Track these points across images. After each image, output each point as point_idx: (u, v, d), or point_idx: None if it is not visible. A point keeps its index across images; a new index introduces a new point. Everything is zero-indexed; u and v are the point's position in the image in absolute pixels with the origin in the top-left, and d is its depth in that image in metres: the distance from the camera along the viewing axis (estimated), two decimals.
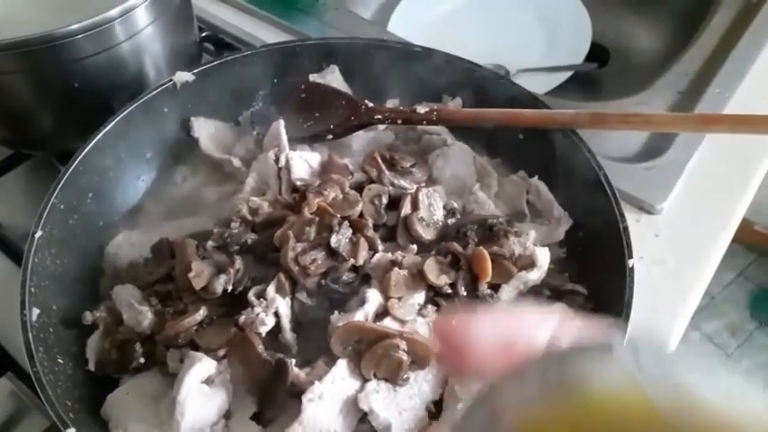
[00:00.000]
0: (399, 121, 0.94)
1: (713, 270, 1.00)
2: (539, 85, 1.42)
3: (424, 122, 0.93)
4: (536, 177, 0.92)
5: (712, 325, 2.66)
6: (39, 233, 0.78)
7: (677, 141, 1.09)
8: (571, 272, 0.85)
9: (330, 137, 0.96)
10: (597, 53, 1.57)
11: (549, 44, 1.58)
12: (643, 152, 1.12)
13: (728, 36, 1.32)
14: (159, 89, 0.95)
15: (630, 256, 0.76)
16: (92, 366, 0.76)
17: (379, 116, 0.94)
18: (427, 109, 0.92)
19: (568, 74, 1.48)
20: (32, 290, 0.75)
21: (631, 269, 0.75)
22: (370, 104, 0.95)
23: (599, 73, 1.57)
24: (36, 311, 0.73)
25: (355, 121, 0.95)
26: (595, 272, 0.82)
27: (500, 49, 1.55)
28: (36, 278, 0.76)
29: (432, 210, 0.85)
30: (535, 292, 0.82)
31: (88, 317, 0.78)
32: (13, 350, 0.90)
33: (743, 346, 2.61)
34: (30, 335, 0.70)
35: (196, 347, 0.74)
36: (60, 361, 0.74)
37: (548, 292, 0.82)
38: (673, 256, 0.98)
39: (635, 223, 1.01)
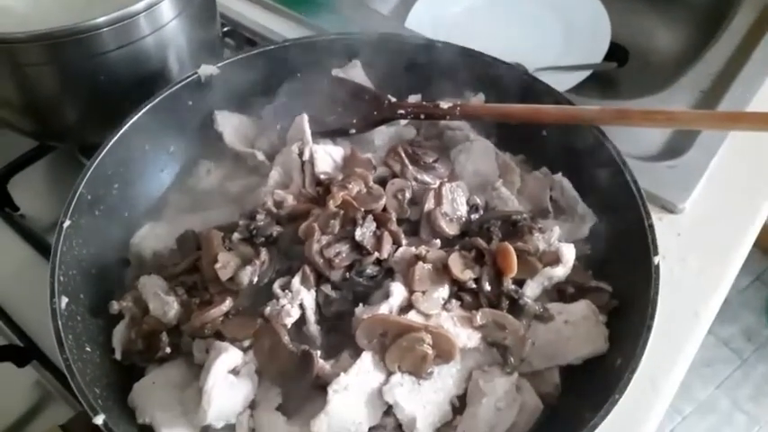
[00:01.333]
0: (422, 116, 0.94)
1: (737, 270, 1.00)
2: (557, 83, 1.41)
3: (447, 117, 0.93)
4: (560, 174, 0.92)
5: (728, 329, 2.64)
6: (67, 222, 0.79)
7: (699, 140, 1.09)
8: (595, 269, 0.85)
9: (353, 131, 0.96)
10: (616, 52, 1.56)
11: (568, 43, 1.57)
12: (665, 151, 1.11)
13: (750, 36, 1.31)
14: (184, 82, 0.96)
15: (656, 253, 0.76)
16: (118, 355, 0.77)
17: (402, 111, 0.94)
18: (450, 104, 0.92)
19: (587, 73, 1.47)
20: (61, 278, 0.75)
21: (657, 266, 0.75)
22: (393, 99, 0.96)
23: (618, 72, 1.56)
24: (65, 300, 0.74)
25: (378, 115, 0.95)
26: (620, 269, 0.82)
27: (518, 48, 1.54)
28: (64, 267, 0.77)
29: (455, 205, 0.85)
30: (559, 288, 0.82)
31: (115, 306, 0.79)
32: (39, 339, 0.91)
33: (759, 351, 2.59)
34: (59, 322, 0.71)
35: (222, 338, 0.75)
36: (88, 349, 0.74)
37: (572, 288, 0.81)
38: (695, 256, 0.98)
39: (657, 222, 0.98)
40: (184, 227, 0.87)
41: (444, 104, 0.93)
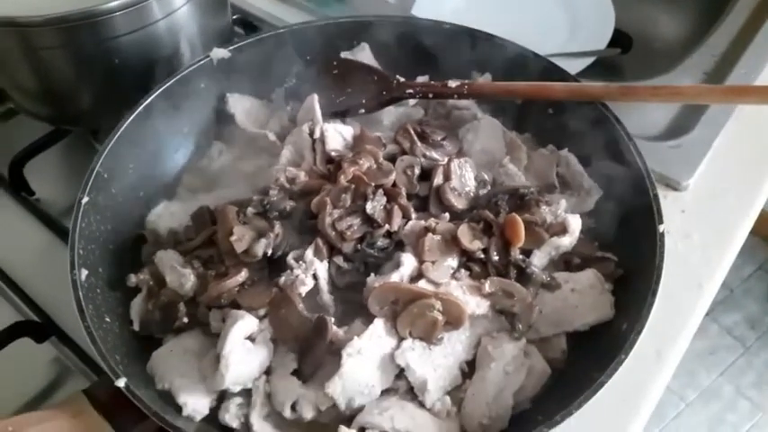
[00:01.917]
0: (431, 96, 0.96)
1: (740, 245, 1.01)
2: None
3: (456, 96, 0.95)
4: (566, 150, 0.93)
5: (731, 317, 2.66)
6: (85, 198, 0.81)
7: (703, 119, 1.10)
8: (601, 241, 0.87)
9: (362, 111, 0.98)
10: (620, 39, 1.57)
11: (572, 30, 1.58)
12: (670, 130, 1.13)
13: (754, 18, 1.33)
14: (196, 65, 0.98)
15: (661, 222, 0.78)
16: (136, 326, 0.79)
17: (411, 90, 0.96)
18: (458, 83, 0.94)
19: (591, 59, 1.49)
20: (80, 252, 0.78)
21: (662, 234, 0.76)
22: (402, 79, 0.97)
23: (622, 59, 1.57)
24: (84, 272, 0.76)
25: (387, 95, 0.97)
26: (625, 240, 0.84)
27: (523, 35, 1.54)
28: (84, 241, 0.79)
29: (463, 180, 0.87)
30: (566, 259, 0.84)
31: (132, 279, 0.81)
32: (57, 317, 0.94)
33: (762, 339, 2.60)
34: (80, 293, 0.73)
35: (238, 308, 0.77)
36: (108, 320, 0.76)
37: (578, 259, 0.83)
38: (699, 232, 0.99)
39: (662, 199, 1.00)
40: (198, 205, 0.89)
41: (452, 83, 0.95)
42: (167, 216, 0.90)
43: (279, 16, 1.35)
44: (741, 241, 1.02)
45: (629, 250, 0.82)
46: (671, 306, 0.90)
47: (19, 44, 0.96)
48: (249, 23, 1.34)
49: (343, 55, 1.05)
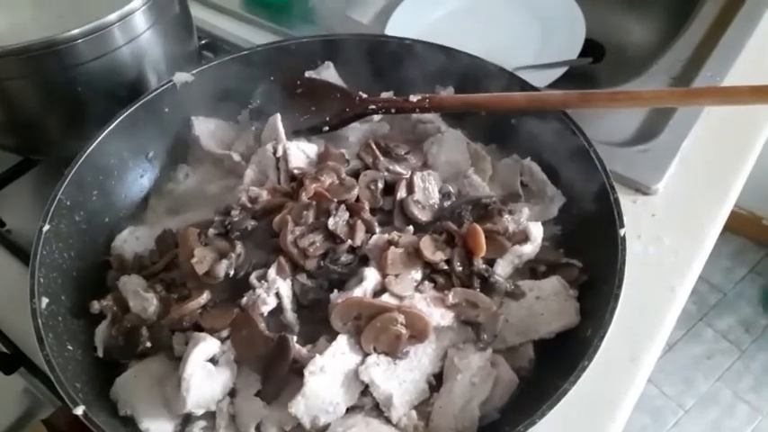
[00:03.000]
0: (393, 110, 0.96)
1: (710, 247, 1.01)
2: (534, 81, 1.43)
3: (417, 110, 0.95)
4: (528, 159, 0.94)
5: (726, 321, 2.65)
6: (46, 227, 0.81)
7: (671, 123, 1.11)
8: (566, 247, 0.87)
9: (326, 129, 0.98)
10: (593, 49, 1.59)
11: (544, 42, 1.60)
12: (637, 136, 1.14)
13: (718, 23, 1.34)
14: (160, 89, 0.98)
15: (622, 226, 0.77)
16: (100, 353, 0.79)
17: (373, 106, 0.96)
18: (419, 97, 0.95)
19: (563, 70, 1.50)
20: (41, 280, 0.77)
21: (623, 238, 0.76)
22: (364, 96, 0.98)
23: (594, 68, 1.58)
24: (45, 300, 0.75)
25: (350, 112, 0.97)
26: (589, 245, 0.83)
27: (496, 49, 1.56)
28: (45, 270, 0.78)
29: (427, 193, 0.87)
30: (531, 267, 0.84)
31: (95, 306, 0.80)
32: (26, 347, 0.92)
33: (757, 342, 2.59)
34: (39, 321, 0.73)
35: (201, 330, 0.76)
36: (70, 348, 0.76)
37: (543, 267, 0.83)
38: (669, 235, 0.99)
39: (631, 204, 1.03)
40: (164, 228, 0.89)
41: (414, 98, 0.95)
42: (133, 241, 0.90)
43: (248, 39, 1.36)
44: (712, 243, 1.02)
45: (593, 256, 0.82)
46: (644, 310, 0.90)
47: None
48: (219, 48, 1.34)
49: (308, 74, 1.06)
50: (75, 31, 0.93)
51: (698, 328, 2.66)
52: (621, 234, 0.76)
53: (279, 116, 0.96)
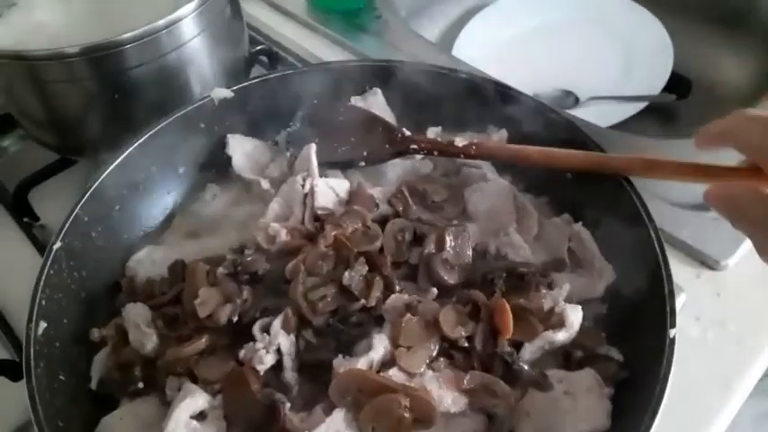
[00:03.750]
0: (435, 153, 0.89)
1: None
2: (610, 114, 1.32)
3: (462, 156, 0.87)
4: (579, 224, 0.84)
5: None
6: (57, 244, 0.78)
7: None
8: (609, 332, 0.77)
9: (362, 164, 0.91)
10: (678, 83, 1.45)
11: (626, 71, 1.47)
12: None
13: None
14: (196, 105, 0.94)
15: (673, 326, 0.67)
16: (94, 385, 0.75)
17: (415, 146, 0.89)
18: (466, 142, 0.86)
19: (643, 104, 1.37)
20: (43, 302, 0.74)
21: (672, 340, 0.66)
22: (407, 133, 0.91)
23: (678, 105, 1.44)
24: (43, 325, 0.72)
25: (390, 149, 0.90)
26: (636, 336, 0.73)
27: (571, 75, 1.47)
28: (49, 290, 0.76)
29: (458, 251, 0.79)
30: (566, 351, 0.75)
31: (95, 334, 0.77)
32: None
33: None
34: (32, 349, 0.70)
35: (195, 378, 0.71)
36: (62, 378, 0.73)
37: (580, 353, 0.74)
38: (735, 320, 0.87)
39: (694, 279, 0.91)
40: (182, 253, 0.85)
41: (460, 142, 0.87)
42: (148, 263, 0.86)
43: (307, 48, 1.31)
44: None
45: (638, 350, 0.72)
46: (694, 406, 0.78)
47: (26, 77, 0.96)
48: (274, 54, 1.29)
49: (354, 100, 1.00)
50: (123, 37, 0.91)
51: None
52: (671, 336, 0.66)
53: (314, 147, 0.90)
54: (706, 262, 0.92)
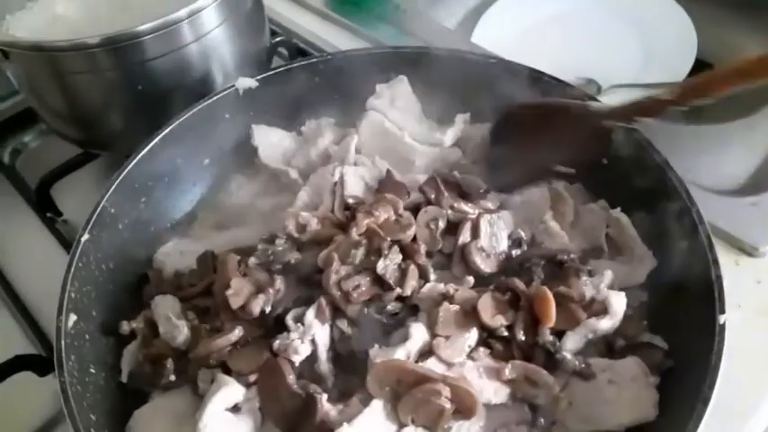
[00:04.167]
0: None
1: None
2: None
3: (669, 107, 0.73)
4: (618, 209, 0.81)
5: None
6: (85, 236, 0.77)
7: None
8: (652, 320, 0.75)
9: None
10: (701, 70, 1.41)
11: (648, 59, 1.43)
12: (749, 185, 0.99)
13: None
14: (221, 95, 0.93)
15: (722, 311, 0.65)
16: (124, 378, 0.74)
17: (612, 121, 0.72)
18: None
19: None
20: (72, 295, 0.73)
21: (722, 326, 0.64)
22: (604, 106, 0.75)
23: None
24: (73, 318, 0.71)
25: (585, 135, 0.74)
26: (680, 323, 0.71)
27: (593, 63, 1.43)
28: (78, 283, 0.74)
29: (494, 239, 0.77)
30: (608, 340, 0.72)
31: (125, 326, 0.76)
32: None
33: None
34: (63, 342, 0.69)
35: (228, 370, 0.70)
36: (92, 371, 0.71)
37: (622, 341, 0.71)
38: None
39: (734, 266, 0.88)
40: (210, 245, 0.84)
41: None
42: (176, 255, 0.85)
43: (326, 38, 1.29)
44: None
45: (682, 337, 0.69)
46: (733, 401, 0.76)
47: (47, 69, 0.95)
48: (294, 45, 1.28)
49: (380, 87, 0.97)
50: (143, 27, 0.90)
51: None
52: (721, 321, 0.64)
53: (356, 138, 0.88)
54: (744, 249, 0.89)
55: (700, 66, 1.37)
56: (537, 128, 0.76)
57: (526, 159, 0.77)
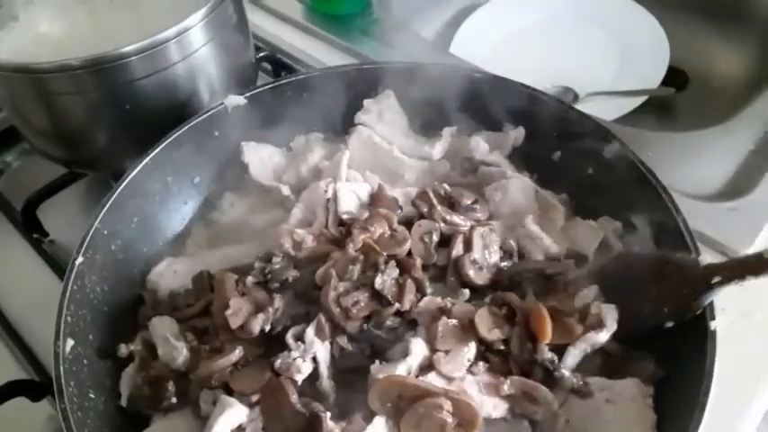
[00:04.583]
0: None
1: None
2: (609, 109, 1.32)
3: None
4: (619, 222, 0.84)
5: None
6: (80, 259, 0.77)
7: (766, 178, 0.99)
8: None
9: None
10: (674, 77, 1.46)
11: (623, 66, 1.47)
12: (728, 190, 1.02)
13: None
14: (210, 113, 0.93)
15: (713, 318, 0.67)
16: (123, 402, 0.74)
17: (719, 278, 0.69)
18: None
19: (642, 99, 1.38)
20: (69, 319, 0.73)
21: (713, 333, 0.66)
22: (705, 261, 0.71)
23: (676, 98, 1.45)
24: (70, 343, 0.71)
25: (689, 291, 0.69)
26: (668, 333, 0.72)
27: (569, 71, 1.47)
28: (74, 306, 0.74)
29: (487, 252, 0.78)
30: (601, 351, 0.73)
31: (123, 350, 0.76)
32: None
33: None
34: (61, 368, 0.68)
35: (230, 390, 0.70)
36: (92, 396, 0.71)
37: (615, 344, 0.73)
38: (761, 310, 0.87)
39: None
40: (203, 264, 0.84)
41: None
42: (170, 275, 0.85)
43: (309, 53, 1.30)
44: None
45: (674, 345, 0.71)
46: (722, 401, 0.78)
47: (31, 89, 0.94)
48: (277, 61, 1.28)
49: (367, 103, 0.99)
50: (130, 48, 0.89)
51: None
52: (712, 328, 0.66)
53: (347, 154, 0.89)
54: (726, 252, 0.92)
55: (672, 72, 1.41)
56: (651, 279, 0.73)
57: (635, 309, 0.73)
